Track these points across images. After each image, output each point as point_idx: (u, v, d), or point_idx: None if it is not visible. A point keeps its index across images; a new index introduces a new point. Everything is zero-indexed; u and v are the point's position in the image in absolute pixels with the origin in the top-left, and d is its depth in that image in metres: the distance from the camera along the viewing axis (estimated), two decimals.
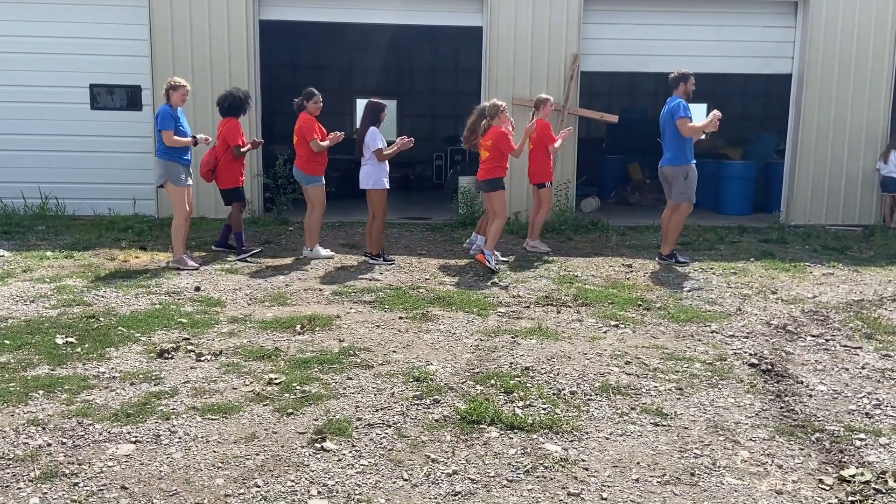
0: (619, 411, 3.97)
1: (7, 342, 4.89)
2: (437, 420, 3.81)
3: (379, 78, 18.54)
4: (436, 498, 3.07)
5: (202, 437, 3.57)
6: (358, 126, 7.88)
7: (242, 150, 7.84)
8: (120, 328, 5.27)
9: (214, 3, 10.08)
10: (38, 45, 10.15)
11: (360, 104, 21.57)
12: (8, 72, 10.18)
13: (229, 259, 7.72)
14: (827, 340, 5.34)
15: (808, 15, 10.69)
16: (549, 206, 8.73)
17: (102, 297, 6.17)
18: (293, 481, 3.18)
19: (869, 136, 10.97)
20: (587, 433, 3.70)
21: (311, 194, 7.81)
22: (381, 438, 3.60)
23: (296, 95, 7.85)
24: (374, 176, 7.65)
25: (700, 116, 9.18)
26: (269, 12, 10.41)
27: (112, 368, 4.48)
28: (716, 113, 7.52)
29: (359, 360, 4.69)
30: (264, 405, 3.96)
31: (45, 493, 3.05)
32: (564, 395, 4.18)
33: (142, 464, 3.31)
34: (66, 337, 5.03)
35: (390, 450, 3.48)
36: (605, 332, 5.43)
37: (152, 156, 7.87)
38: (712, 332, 5.51)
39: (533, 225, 8.66)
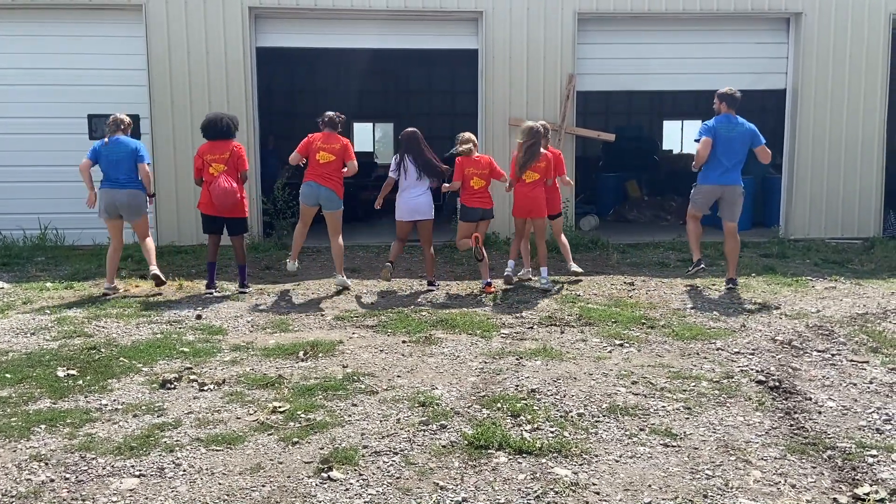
0: (627, 433, 3.93)
1: (8, 376, 4.85)
2: (444, 446, 3.77)
3: (376, 101, 18.66)
4: None
5: (207, 469, 3.53)
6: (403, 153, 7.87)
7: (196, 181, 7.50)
8: (121, 359, 5.23)
9: (211, 33, 10.14)
10: (37, 77, 10.19)
11: (357, 128, 21.73)
12: (6, 104, 10.21)
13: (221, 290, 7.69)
14: (833, 355, 5.30)
15: (800, 30, 10.77)
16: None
17: (103, 327, 6.13)
18: None
19: (865, 148, 11.01)
20: (596, 456, 3.66)
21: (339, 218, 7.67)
22: (388, 466, 3.55)
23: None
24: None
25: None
26: (265, 39, 10.47)
27: (114, 400, 4.44)
28: None
29: (363, 386, 4.65)
30: (269, 434, 3.91)
31: None
32: (572, 417, 4.15)
33: (146, 498, 3.26)
34: (68, 369, 4.98)
35: (398, 478, 3.44)
36: (610, 352, 5.39)
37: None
38: (717, 349, 5.48)
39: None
